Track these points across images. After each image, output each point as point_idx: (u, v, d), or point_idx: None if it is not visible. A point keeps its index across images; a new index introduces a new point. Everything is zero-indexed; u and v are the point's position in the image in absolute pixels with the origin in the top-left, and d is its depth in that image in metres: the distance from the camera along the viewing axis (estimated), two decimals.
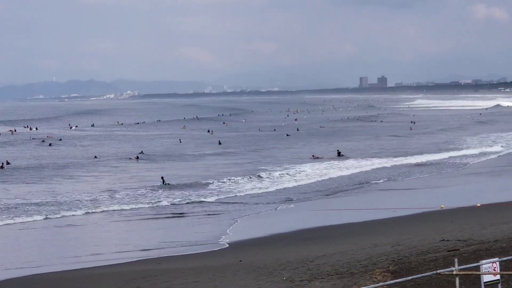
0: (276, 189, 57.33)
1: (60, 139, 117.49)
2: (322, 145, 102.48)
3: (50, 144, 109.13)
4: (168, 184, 59.31)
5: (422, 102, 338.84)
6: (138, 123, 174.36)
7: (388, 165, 73.07)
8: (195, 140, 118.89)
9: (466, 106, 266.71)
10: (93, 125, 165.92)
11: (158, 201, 51.54)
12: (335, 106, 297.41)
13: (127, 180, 65.14)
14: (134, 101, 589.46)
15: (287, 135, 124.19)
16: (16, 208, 48.43)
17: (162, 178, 60.85)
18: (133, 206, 49.49)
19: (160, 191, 56.65)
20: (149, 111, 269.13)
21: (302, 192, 55.90)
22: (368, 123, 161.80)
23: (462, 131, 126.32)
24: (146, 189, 57.37)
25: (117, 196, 54.09)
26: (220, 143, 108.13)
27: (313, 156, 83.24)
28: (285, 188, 58.09)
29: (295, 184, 60.46)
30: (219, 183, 60.16)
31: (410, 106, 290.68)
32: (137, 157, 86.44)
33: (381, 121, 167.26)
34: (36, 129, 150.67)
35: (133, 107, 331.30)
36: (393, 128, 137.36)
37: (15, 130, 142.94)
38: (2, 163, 76.19)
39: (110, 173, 71.20)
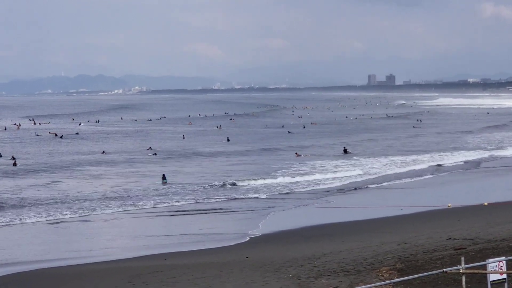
0: (303, 188, 56.48)
1: (77, 133, 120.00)
2: (332, 141, 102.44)
3: (61, 137, 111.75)
4: (167, 183, 58.46)
5: (444, 100, 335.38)
6: (150, 120, 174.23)
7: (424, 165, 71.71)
8: (204, 136, 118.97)
9: (502, 104, 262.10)
10: (97, 121, 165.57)
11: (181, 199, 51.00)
12: (361, 102, 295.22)
13: (139, 176, 65.13)
14: (145, 97, 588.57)
15: (288, 132, 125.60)
16: (26, 205, 48.46)
17: (163, 175, 60.42)
18: (150, 203, 49.23)
19: (164, 187, 56.40)
20: (181, 106, 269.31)
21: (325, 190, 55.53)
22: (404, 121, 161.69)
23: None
24: (168, 186, 57.30)
25: (132, 193, 53.81)
26: (228, 140, 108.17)
27: (296, 154, 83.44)
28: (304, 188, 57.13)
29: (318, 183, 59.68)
30: (239, 182, 59.11)
31: (436, 104, 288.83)
32: (155, 154, 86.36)
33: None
34: (40, 124, 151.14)
35: (159, 103, 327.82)
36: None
37: (20, 125, 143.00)
38: (15, 160, 76.17)
39: (120, 169, 71.25)
